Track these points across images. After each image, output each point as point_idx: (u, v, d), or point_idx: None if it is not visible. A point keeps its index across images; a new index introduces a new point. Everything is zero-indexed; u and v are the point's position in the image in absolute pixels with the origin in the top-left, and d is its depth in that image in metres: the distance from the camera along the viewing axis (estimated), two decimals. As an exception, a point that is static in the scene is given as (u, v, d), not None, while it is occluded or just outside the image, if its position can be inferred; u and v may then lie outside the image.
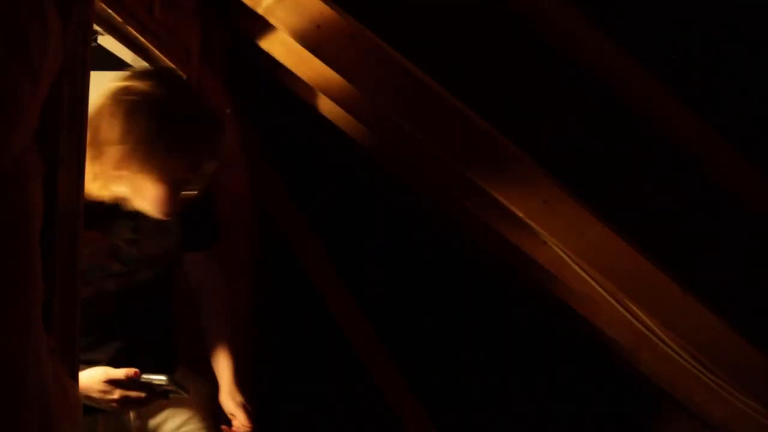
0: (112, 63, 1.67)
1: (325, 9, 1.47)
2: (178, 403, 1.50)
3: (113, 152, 1.23)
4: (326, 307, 3.21)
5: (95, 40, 1.43)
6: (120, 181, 1.28)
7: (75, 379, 1.06)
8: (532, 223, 1.43)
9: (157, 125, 1.24)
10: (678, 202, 1.11)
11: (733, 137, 0.81)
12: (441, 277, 3.98)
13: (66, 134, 1.02)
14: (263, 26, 1.99)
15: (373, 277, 3.87)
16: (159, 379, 1.29)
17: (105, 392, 1.25)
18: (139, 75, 1.32)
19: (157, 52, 1.64)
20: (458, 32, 1.09)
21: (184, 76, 1.90)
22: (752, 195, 1.03)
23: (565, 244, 1.45)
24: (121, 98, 1.25)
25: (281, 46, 2.04)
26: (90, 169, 1.10)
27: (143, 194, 1.30)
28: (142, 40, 1.54)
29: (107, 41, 1.48)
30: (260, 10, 1.55)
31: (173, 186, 1.30)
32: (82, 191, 1.11)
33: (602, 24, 0.82)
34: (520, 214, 1.41)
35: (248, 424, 1.55)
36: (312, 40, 1.44)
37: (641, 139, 1.07)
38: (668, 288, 1.30)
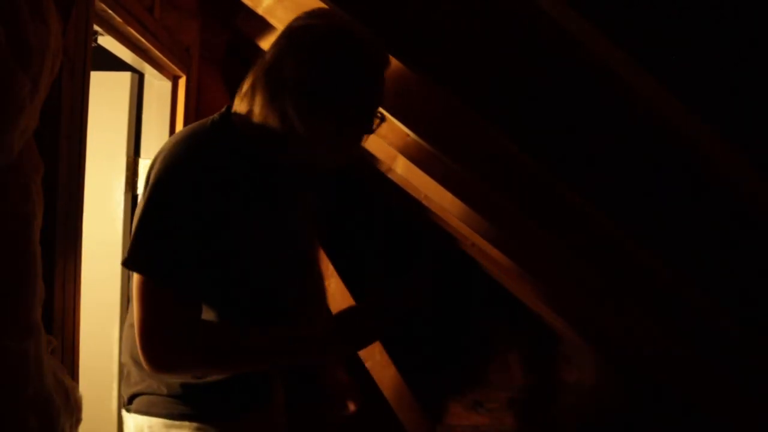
0: (112, 63, 1.67)
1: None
2: None
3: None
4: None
5: (95, 40, 1.42)
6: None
7: (75, 379, 1.06)
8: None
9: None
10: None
11: (730, 136, 0.81)
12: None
13: (66, 134, 1.03)
14: (263, 26, 1.99)
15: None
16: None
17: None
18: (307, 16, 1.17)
19: (157, 52, 1.64)
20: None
21: (184, 76, 1.90)
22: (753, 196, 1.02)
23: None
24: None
25: (281, 46, 2.03)
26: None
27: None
28: (142, 40, 1.53)
29: (107, 41, 1.47)
30: (260, 10, 1.55)
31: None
32: (82, 191, 1.11)
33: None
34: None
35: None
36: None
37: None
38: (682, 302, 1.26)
